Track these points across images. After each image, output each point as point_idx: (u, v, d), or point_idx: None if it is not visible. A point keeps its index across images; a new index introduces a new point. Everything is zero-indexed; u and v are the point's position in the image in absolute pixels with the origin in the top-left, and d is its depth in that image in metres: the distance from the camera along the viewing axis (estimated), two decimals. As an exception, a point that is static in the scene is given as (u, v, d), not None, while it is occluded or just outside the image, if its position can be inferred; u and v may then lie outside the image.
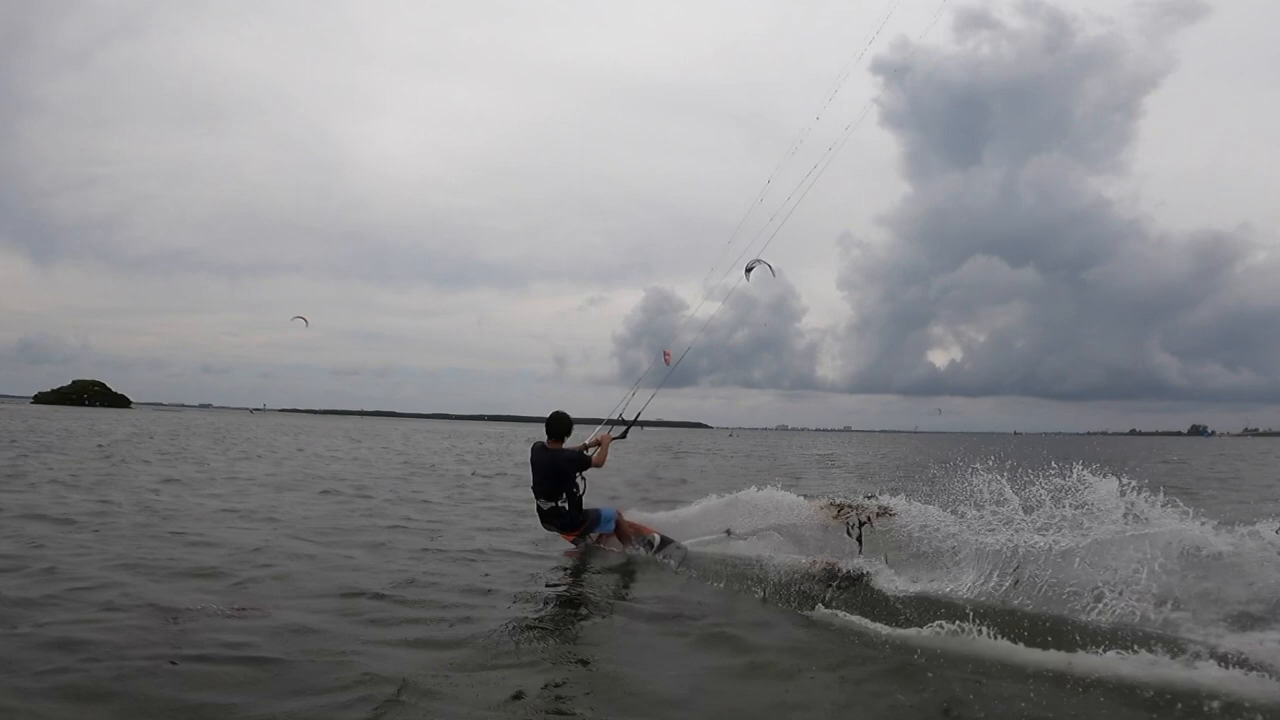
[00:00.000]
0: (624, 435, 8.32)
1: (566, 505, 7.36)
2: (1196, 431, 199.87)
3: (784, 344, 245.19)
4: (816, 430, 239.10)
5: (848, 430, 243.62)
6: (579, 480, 7.39)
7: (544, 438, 7.60)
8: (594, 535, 7.51)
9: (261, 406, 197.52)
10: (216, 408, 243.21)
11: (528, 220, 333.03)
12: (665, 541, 7.37)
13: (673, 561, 7.03)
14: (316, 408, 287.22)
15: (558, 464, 7.34)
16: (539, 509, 7.49)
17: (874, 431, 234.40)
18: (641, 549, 7.32)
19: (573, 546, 7.65)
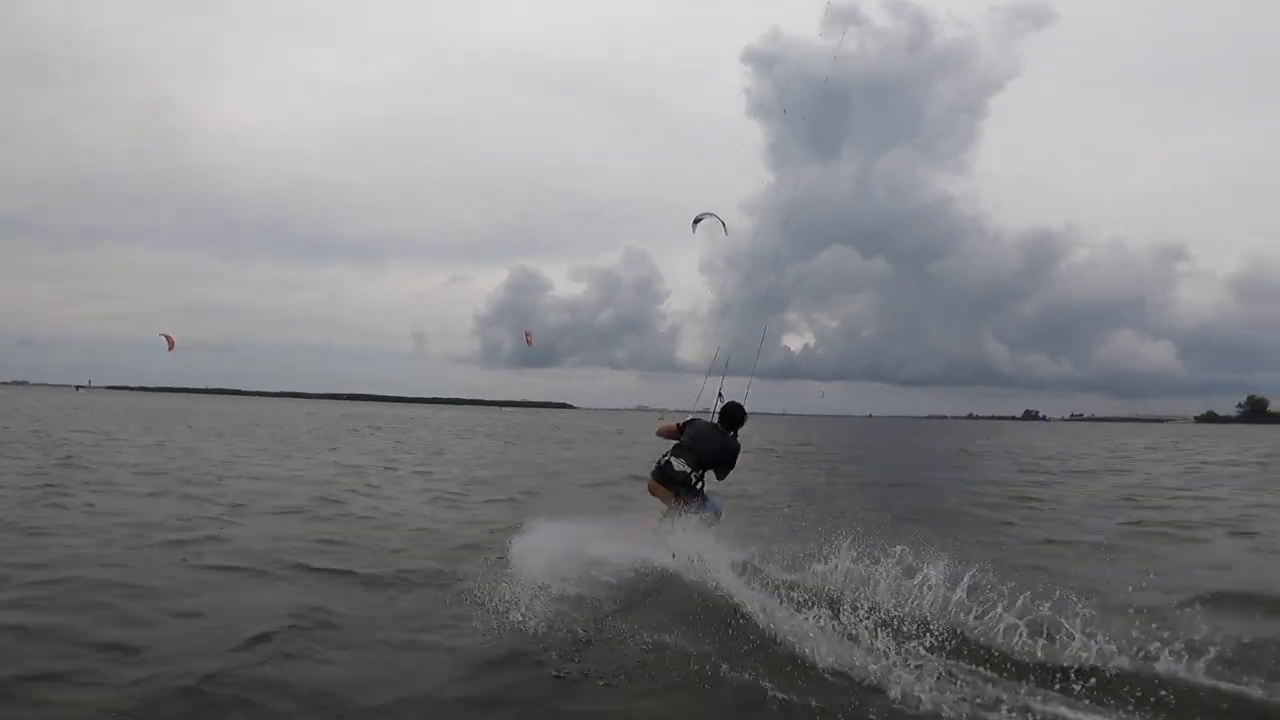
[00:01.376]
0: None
1: (701, 482, 7.52)
2: (1030, 416, 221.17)
3: (647, 325, 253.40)
4: (676, 410, 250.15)
5: (707, 411, 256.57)
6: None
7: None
8: (695, 512, 7.21)
9: (86, 384, 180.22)
10: (33, 385, 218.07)
11: (390, 195, 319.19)
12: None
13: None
14: (151, 385, 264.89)
15: (729, 448, 7.54)
16: (671, 468, 7.37)
17: None
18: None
19: (653, 521, 7.60)
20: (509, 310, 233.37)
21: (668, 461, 7.41)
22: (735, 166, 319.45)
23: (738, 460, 7.62)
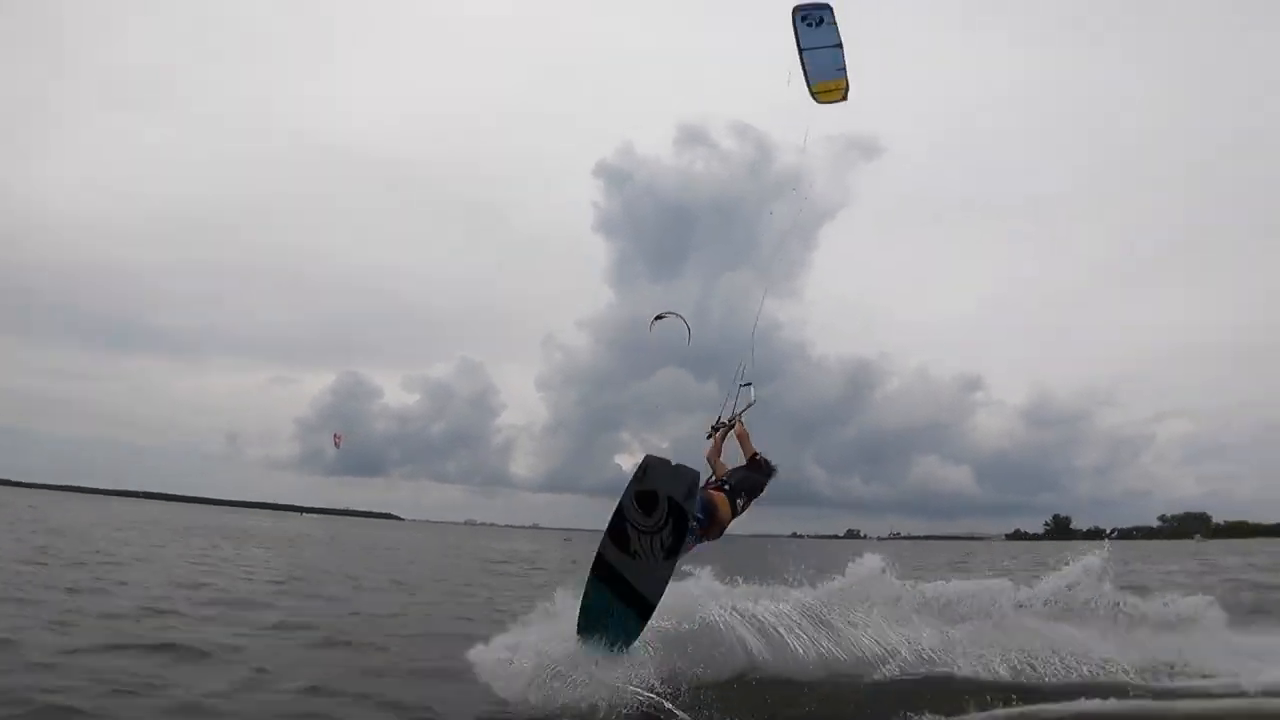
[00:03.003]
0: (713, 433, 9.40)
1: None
2: (852, 535, 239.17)
3: (480, 439, 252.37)
4: (505, 525, 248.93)
5: (535, 527, 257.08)
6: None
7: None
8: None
9: None
10: None
11: (212, 284, 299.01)
12: None
13: None
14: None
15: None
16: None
17: (560, 529, 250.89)
18: None
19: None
20: (335, 416, 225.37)
21: None
22: (577, 282, 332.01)
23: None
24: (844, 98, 10.05)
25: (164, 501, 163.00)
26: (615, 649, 6.60)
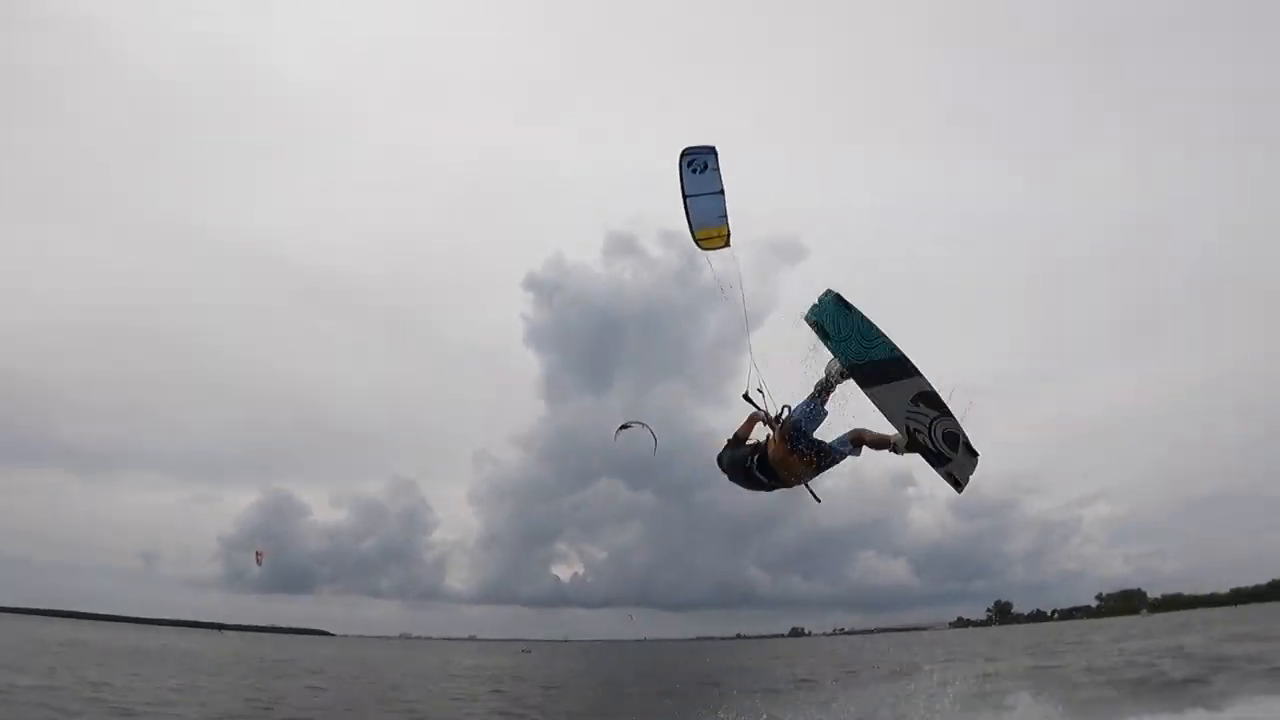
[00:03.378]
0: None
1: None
2: (796, 633, 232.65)
3: (413, 555, 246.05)
4: (442, 639, 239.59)
5: (473, 639, 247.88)
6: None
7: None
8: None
9: None
10: None
11: (126, 397, 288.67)
12: None
13: None
14: None
15: None
16: None
17: (498, 640, 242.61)
18: None
19: None
20: (261, 534, 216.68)
21: None
22: (508, 395, 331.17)
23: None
24: (726, 244, 10.19)
25: (73, 620, 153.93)
26: None
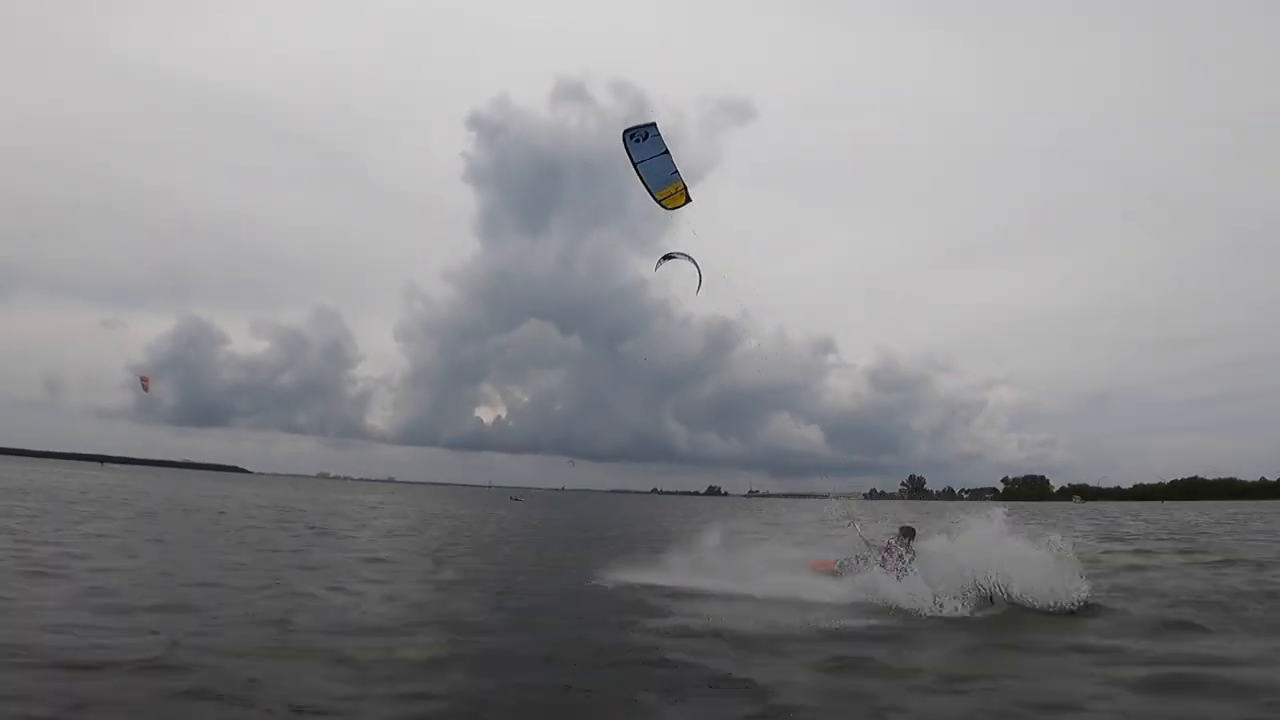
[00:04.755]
0: None
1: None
2: (713, 492, 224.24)
3: (334, 390, 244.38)
4: (360, 480, 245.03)
5: (391, 481, 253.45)
6: None
7: None
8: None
9: None
10: None
11: (27, 221, 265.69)
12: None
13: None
14: None
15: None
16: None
17: (418, 483, 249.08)
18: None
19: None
20: (175, 363, 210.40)
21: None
22: (442, 233, 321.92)
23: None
24: (687, 199, 10.61)
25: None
26: None
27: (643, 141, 10.18)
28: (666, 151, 10.23)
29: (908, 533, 11.28)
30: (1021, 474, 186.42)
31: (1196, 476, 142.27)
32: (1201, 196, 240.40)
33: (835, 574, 11.60)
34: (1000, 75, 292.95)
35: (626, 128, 10.15)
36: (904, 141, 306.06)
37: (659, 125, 10.15)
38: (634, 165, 10.23)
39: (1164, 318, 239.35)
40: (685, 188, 10.44)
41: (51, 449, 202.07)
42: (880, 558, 11.05)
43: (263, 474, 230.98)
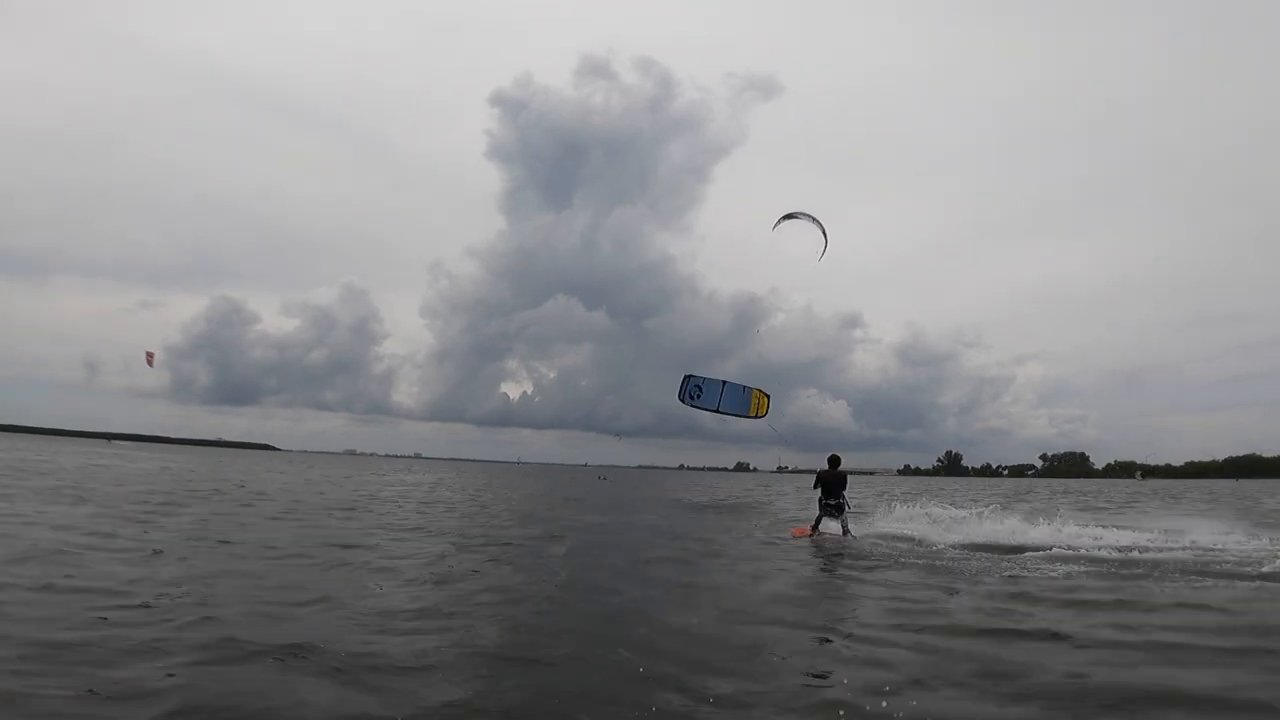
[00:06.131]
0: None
1: (838, 501, 12.07)
2: (742, 468, 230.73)
3: (361, 367, 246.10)
4: (386, 456, 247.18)
5: (418, 457, 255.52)
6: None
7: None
8: (840, 521, 12.14)
9: None
10: None
11: (61, 205, 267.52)
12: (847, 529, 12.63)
13: (853, 534, 12.29)
14: None
15: (840, 478, 12.17)
16: (824, 503, 12.14)
17: (443, 459, 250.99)
18: (848, 530, 12.22)
19: (807, 530, 12.58)
20: (209, 343, 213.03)
21: (823, 503, 12.13)
22: (467, 210, 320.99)
23: (846, 481, 12.29)
24: (768, 402, 12.05)
25: (20, 435, 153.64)
26: None
27: (699, 396, 11.03)
28: (723, 381, 11.01)
29: (833, 461, 12.29)
30: (1052, 451, 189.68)
31: (1254, 453, 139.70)
32: (1245, 180, 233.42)
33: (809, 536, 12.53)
34: (1042, 56, 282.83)
35: (681, 397, 10.99)
36: (937, 118, 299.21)
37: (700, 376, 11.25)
38: (720, 413, 11.22)
39: (1199, 296, 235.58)
40: (758, 391, 11.22)
41: (90, 430, 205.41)
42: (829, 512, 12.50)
43: (291, 451, 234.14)
